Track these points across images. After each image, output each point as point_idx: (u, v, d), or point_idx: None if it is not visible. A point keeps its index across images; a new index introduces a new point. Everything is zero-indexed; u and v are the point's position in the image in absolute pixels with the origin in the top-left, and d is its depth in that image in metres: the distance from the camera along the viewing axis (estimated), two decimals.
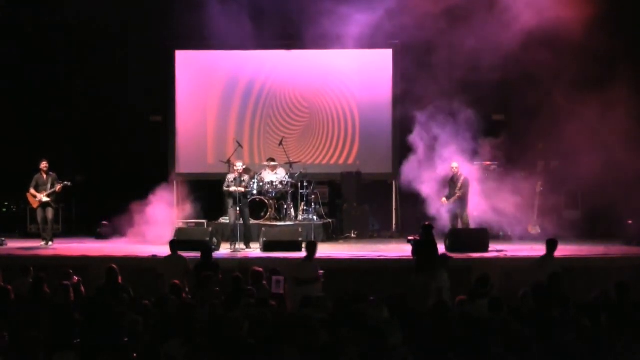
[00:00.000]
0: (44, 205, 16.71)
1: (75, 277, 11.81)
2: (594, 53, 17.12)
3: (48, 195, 16.68)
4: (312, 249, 12.63)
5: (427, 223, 13.75)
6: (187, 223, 17.53)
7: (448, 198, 16.57)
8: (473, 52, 17.68)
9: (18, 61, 19.32)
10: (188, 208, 18.58)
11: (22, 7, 19.00)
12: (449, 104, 18.05)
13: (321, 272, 12.39)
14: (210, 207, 17.95)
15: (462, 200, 16.64)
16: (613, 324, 8.86)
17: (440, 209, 16.86)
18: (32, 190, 16.75)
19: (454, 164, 16.73)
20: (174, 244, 13.55)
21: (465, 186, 16.51)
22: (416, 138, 17.60)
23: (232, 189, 15.85)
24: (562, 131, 17.79)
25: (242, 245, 15.97)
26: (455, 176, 16.62)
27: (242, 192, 15.94)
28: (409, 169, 17.50)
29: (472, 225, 16.77)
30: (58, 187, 16.72)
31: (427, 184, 17.24)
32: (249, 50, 19.22)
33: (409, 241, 14.41)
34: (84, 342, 8.49)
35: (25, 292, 11.29)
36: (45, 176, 16.78)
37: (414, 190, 17.41)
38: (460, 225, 16.52)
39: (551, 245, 12.83)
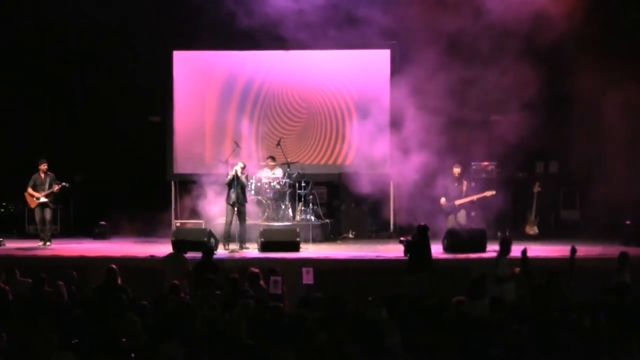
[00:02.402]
0: (42, 205, 16.69)
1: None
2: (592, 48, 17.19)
3: (46, 196, 16.67)
4: (507, 245, 12.31)
5: (422, 224, 13.74)
6: (185, 223, 17.50)
7: (448, 200, 16.52)
8: (472, 52, 17.71)
9: (17, 62, 19.28)
10: (186, 208, 18.58)
11: (21, 8, 18.94)
12: (446, 104, 18.08)
13: (517, 269, 12.02)
14: (208, 208, 17.91)
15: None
16: (613, 324, 8.87)
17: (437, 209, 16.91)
18: (30, 190, 16.74)
19: (456, 168, 16.72)
20: (178, 244, 13.64)
21: (469, 189, 16.48)
22: (414, 138, 17.66)
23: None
24: (562, 131, 17.85)
25: (237, 246, 15.95)
26: (458, 179, 16.59)
27: (241, 182, 15.97)
28: (406, 168, 17.58)
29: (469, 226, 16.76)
30: (56, 187, 16.69)
31: (426, 184, 17.26)
32: (247, 50, 19.20)
33: (400, 241, 14.41)
34: (83, 342, 8.48)
35: (20, 292, 11.29)
36: (43, 176, 16.76)
37: (410, 190, 17.46)
38: (457, 226, 16.49)
39: None
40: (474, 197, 16.47)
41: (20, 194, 17.22)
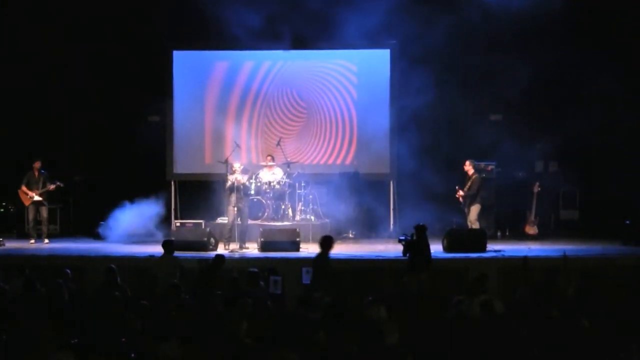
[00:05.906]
0: (36, 203, 16.80)
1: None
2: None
3: (40, 194, 16.75)
4: None
5: (420, 224, 13.72)
6: (185, 223, 17.49)
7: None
8: (470, 52, 17.71)
9: (16, 62, 19.27)
10: (186, 208, 18.56)
11: (19, 7, 18.93)
12: (446, 103, 18.09)
13: None
14: (208, 208, 17.92)
15: (473, 198, 16.58)
16: (611, 324, 8.87)
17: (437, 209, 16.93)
18: (24, 188, 16.85)
19: (467, 162, 16.72)
20: (167, 244, 13.44)
21: (474, 184, 16.43)
22: (413, 137, 17.69)
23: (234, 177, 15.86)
24: (561, 130, 17.83)
25: (236, 245, 15.93)
26: (467, 174, 16.60)
27: (242, 188, 15.93)
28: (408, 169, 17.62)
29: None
30: (52, 186, 16.78)
31: (425, 184, 17.29)
32: (246, 50, 19.20)
33: (399, 241, 14.40)
34: (82, 341, 8.48)
35: (20, 292, 11.30)
36: (37, 174, 16.89)
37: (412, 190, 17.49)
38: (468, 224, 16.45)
39: None
40: (467, 193, 16.47)
41: (18, 194, 17.24)
